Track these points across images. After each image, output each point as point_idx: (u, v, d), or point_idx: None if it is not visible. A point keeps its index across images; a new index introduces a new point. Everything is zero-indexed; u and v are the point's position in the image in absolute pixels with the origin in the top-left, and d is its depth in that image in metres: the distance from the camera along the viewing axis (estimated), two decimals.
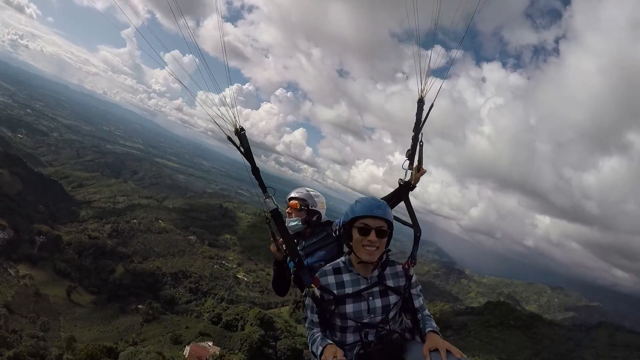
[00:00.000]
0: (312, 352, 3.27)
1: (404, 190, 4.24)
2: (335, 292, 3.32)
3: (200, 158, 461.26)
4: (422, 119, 4.35)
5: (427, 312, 3.55)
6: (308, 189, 4.64)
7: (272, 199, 3.77)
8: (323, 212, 4.56)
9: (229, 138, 3.82)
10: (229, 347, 74.46)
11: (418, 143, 4.27)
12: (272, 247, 3.91)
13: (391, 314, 3.37)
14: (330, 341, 3.20)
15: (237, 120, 3.81)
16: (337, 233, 4.32)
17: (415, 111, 4.35)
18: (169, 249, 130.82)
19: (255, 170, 3.78)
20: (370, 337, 3.30)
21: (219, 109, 3.81)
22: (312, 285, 3.37)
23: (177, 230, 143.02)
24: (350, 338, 3.37)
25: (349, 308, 3.30)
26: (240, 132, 3.79)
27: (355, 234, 3.25)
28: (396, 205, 4.27)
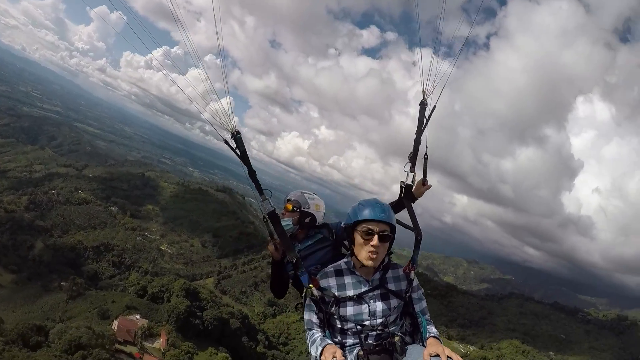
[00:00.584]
0: (313, 354, 3.25)
1: (405, 193, 4.23)
2: (336, 293, 3.34)
3: (122, 124, 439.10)
4: (425, 122, 4.34)
5: (427, 316, 3.53)
6: (304, 191, 4.65)
7: (269, 201, 3.78)
8: (319, 215, 4.56)
9: (226, 142, 3.80)
10: (157, 319, 75.78)
11: (423, 153, 4.31)
12: (270, 247, 3.95)
13: (392, 317, 3.36)
14: (329, 341, 3.19)
15: (233, 123, 3.79)
16: (334, 237, 4.36)
17: (418, 114, 4.37)
18: (90, 221, 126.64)
19: (251, 173, 3.78)
20: (370, 340, 3.29)
21: (221, 109, 3.82)
22: (311, 285, 3.36)
23: (97, 201, 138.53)
24: (350, 340, 3.37)
25: (350, 310, 3.30)
26: (236, 136, 3.76)
27: (358, 238, 3.26)
28: (400, 210, 4.23)
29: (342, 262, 3.50)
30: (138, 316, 72.53)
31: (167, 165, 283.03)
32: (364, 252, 3.20)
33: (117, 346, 61.89)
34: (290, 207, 4.42)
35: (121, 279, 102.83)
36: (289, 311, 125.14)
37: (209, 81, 3.89)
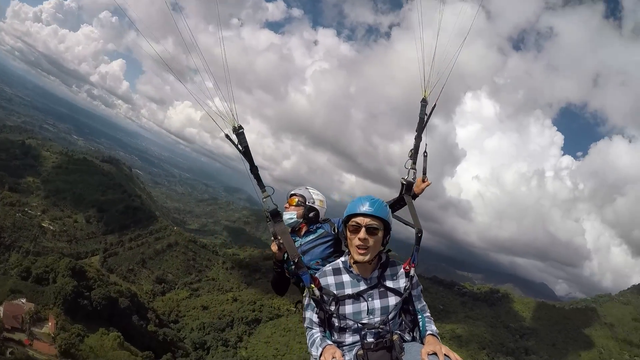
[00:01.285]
0: (313, 354, 3.22)
1: (406, 190, 4.24)
2: (335, 292, 3.32)
3: (2, 83, 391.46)
4: (425, 119, 4.37)
5: (427, 314, 3.54)
6: (309, 187, 4.67)
7: (271, 198, 3.77)
8: (322, 211, 4.57)
9: (227, 136, 3.77)
10: (43, 302, 73.94)
11: (423, 152, 4.36)
12: (274, 247, 3.94)
13: (391, 315, 3.34)
14: (329, 342, 3.17)
15: (236, 118, 3.73)
16: (336, 232, 4.35)
17: (419, 111, 4.39)
18: None
19: (254, 169, 3.75)
20: (369, 338, 3.26)
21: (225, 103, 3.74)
22: (312, 285, 3.32)
23: None
24: (349, 339, 3.34)
25: (349, 309, 3.29)
26: (238, 131, 3.73)
27: (348, 233, 3.29)
28: (402, 207, 4.29)
29: (340, 261, 3.49)
30: (24, 300, 70.14)
31: (50, 132, 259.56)
32: (354, 247, 3.22)
33: (5, 334, 59.57)
34: (294, 201, 4.48)
35: (0, 261, 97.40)
36: (177, 288, 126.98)
37: (211, 78, 3.74)
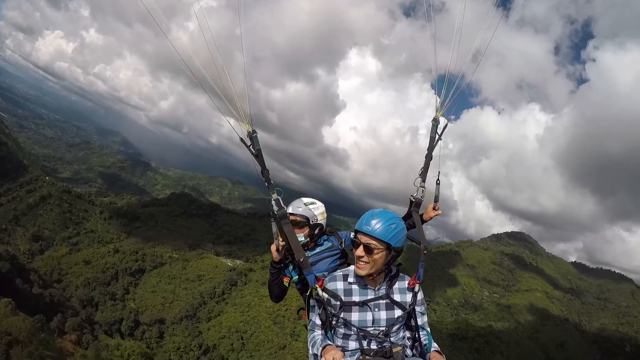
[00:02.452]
0: (313, 355, 3.29)
1: (414, 207, 4.27)
2: (342, 298, 3.34)
3: None
4: (436, 139, 4.36)
5: (429, 330, 3.58)
6: (305, 201, 4.53)
7: (280, 200, 3.91)
8: (324, 222, 4.50)
9: (242, 140, 3.89)
10: None
11: (436, 180, 4.42)
12: (273, 247, 3.93)
13: (394, 328, 3.39)
14: (330, 342, 3.23)
15: (251, 122, 3.86)
16: (342, 245, 4.39)
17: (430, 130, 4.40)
18: None
19: (265, 172, 3.86)
20: (372, 346, 3.34)
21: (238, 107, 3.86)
22: (316, 286, 3.39)
23: None
24: (352, 345, 3.39)
25: (354, 316, 3.31)
26: (252, 135, 3.85)
27: (352, 247, 3.33)
28: (409, 225, 4.25)
29: (351, 268, 3.46)
30: None
31: None
32: (356, 261, 3.26)
33: None
34: (298, 222, 4.35)
35: None
36: (56, 245, 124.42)
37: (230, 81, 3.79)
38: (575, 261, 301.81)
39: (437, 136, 4.39)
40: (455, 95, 4.33)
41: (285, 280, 4.26)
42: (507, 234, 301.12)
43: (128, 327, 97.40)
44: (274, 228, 3.91)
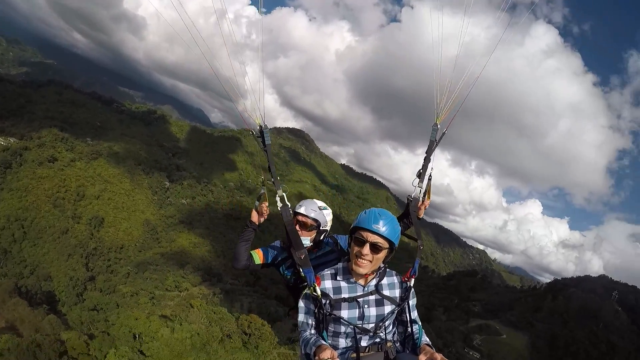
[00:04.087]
0: (306, 354, 3.22)
1: (412, 206, 4.37)
2: (332, 296, 3.33)
3: None
4: (435, 144, 4.52)
5: (420, 324, 3.55)
6: (319, 204, 4.43)
7: (285, 197, 3.97)
8: (329, 227, 4.45)
9: (252, 133, 4.05)
10: None
11: (429, 167, 4.48)
12: (256, 211, 4.07)
13: (386, 323, 3.41)
14: (323, 342, 3.15)
15: (263, 119, 3.98)
16: (339, 248, 4.37)
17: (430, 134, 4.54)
18: None
19: (272, 166, 4.01)
20: (363, 343, 3.36)
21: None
22: (315, 284, 3.35)
23: None
24: (342, 343, 3.41)
25: (344, 313, 3.31)
26: (263, 130, 3.98)
27: (352, 244, 3.27)
28: (405, 224, 4.42)
29: (339, 266, 3.48)
30: None
31: None
32: (355, 258, 3.22)
33: None
34: (308, 224, 4.24)
35: None
36: None
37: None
38: (344, 164, 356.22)
39: (435, 142, 4.52)
40: (457, 110, 4.52)
41: (259, 256, 4.26)
42: (288, 129, 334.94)
43: None
44: (262, 190, 4.02)
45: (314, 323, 3.39)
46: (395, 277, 3.53)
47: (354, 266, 3.26)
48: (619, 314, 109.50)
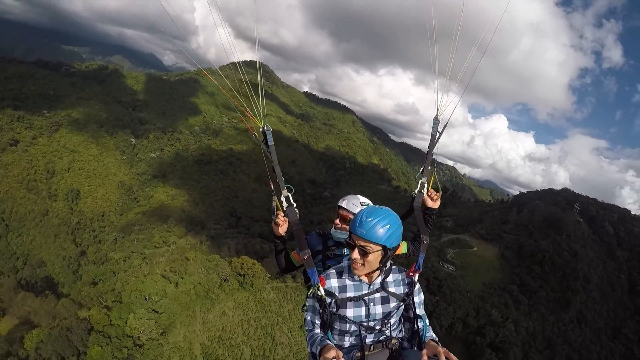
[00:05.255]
0: (312, 353, 3.22)
1: (415, 201, 4.30)
2: (337, 295, 3.34)
3: None
4: (437, 137, 4.47)
5: (426, 320, 3.52)
6: (362, 200, 4.38)
7: (290, 197, 3.92)
8: None
9: (255, 136, 3.99)
10: None
11: (431, 162, 4.42)
12: (275, 223, 3.93)
13: (391, 320, 3.41)
14: (329, 341, 3.17)
15: (264, 119, 3.97)
16: None
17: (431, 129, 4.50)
18: None
19: (277, 167, 3.90)
20: (369, 341, 3.38)
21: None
22: (319, 284, 3.36)
23: None
24: (348, 341, 3.43)
25: (350, 312, 3.33)
26: (266, 131, 3.92)
27: (349, 248, 3.28)
28: (410, 215, 4.31)
29: (345, 264, 3.47)
30: None
31: None
32: (352, 262, 3.24)
33: None
34: (348, 218, 4.22)
35: None
36: None
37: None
38: (307, 91, 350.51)
39: (437, 134, 4.47)
40: (457, 103, 4.42)
41: (295, 257, 4.25)
42: (246, 62, 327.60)
43: None
44: (274, 202, 3.95)
45: (320, 322, 3.40)
46: (400, 274, 3.50)
47: (352, 269, 3.29)
48: (580, 224, 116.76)
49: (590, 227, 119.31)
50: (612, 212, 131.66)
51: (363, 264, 3.19)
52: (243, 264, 67.09)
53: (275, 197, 3.91)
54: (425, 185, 4.33)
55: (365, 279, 3.35)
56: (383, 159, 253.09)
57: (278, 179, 3.91)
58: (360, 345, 3.36)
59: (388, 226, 3.12)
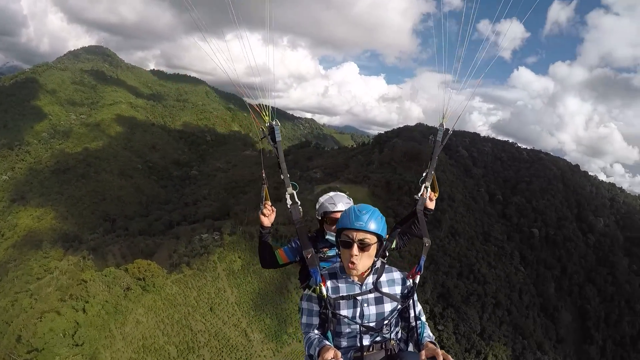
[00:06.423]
0: (309, 355, 3.16)
1: (419, 205, 4.37)
2: (331, 295, 3.29)
3: None
4: (440, 144, 4.60)
5: (424, 320, 3.46)
6: (346, 199, 4.53)
7: (295, 195, 3.97)
8: None
9: (263, 131, 4.03)
10: None
11: (434, 164, 4.49)
12: (262, 214, 4.02)
13: (387, 321, 3.33)
14: (327, 342, 3.12)
15: (272, 116, 4.06)
16: None
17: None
18: None
19: (283, 164, 3.97)
20: (365, 342, 3.30)
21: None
22: (321, 284, 3.30)
23: None
24: (343, 343, 3.36)
25: (343, 312, 3.27)
26: (274, 127, 3.97)
27: (341, 247, 3.21)
28: (411, 219, 4.49)
29: (337, 265, 3.43)
30: None
31: None
32: (345, 261, 3.18)
33: None
34: None
35: None
36: None
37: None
38: (154, 69, 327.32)
39: (440, 142, 4.60)
40: (462, 111, 4.67)
41: (281, 256, 4.31)
42: (84, 49, 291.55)
43: None
44: (263, 192, 3.95)
45: (317, 324, 3.34)
46: (394, 274, 3.44)
47: (347, 270, 3.23)
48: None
49: (447, 153, 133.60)
50: (464, 138, 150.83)
51: (362, 260, 3.19)
52: (139, 267, 69.53)
53: (265, 187, 4.06)
54: (428, 190, 4.44)
55: (356, 279, 3.32)
56: (243, 124, 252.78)
57: (283, 176, 3.99)
58: (357, 346, 3.33)
59: (380, 217, 3.23)
